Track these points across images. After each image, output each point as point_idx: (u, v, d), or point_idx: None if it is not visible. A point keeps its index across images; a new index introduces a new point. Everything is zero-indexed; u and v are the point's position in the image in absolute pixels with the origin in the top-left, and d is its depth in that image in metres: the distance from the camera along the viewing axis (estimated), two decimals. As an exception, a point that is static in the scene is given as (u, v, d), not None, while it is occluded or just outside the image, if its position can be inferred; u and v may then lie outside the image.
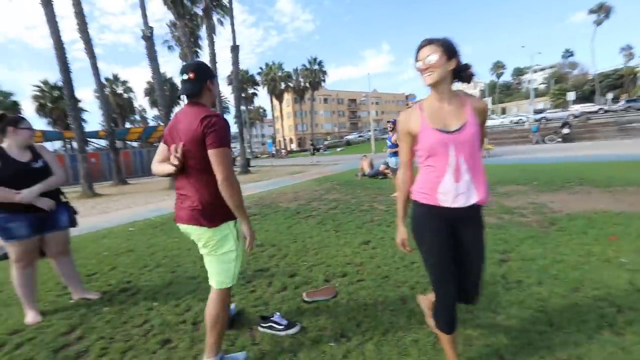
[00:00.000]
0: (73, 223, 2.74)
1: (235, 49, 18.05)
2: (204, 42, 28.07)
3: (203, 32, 25.66)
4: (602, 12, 48.36)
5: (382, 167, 10.05)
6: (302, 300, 2.45)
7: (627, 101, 32.79)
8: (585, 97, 48.71)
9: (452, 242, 1.47)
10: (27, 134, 2.51)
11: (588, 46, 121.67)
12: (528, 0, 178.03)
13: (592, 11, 49.60)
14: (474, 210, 1.45)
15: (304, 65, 47.32)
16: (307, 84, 47.59)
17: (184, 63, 1.70)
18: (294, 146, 60.36)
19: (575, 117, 28.93)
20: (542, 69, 75.19)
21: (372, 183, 8.81)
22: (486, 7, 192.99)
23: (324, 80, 48.05)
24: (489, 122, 32.91)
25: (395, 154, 7.16)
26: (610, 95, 43.54)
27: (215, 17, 20.19)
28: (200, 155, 1.56)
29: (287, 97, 54.29)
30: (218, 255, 1.69)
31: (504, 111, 56.42)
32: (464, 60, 1.41)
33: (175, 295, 2.73)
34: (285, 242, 3.99)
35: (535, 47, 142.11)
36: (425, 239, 1.49)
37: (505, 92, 75.63)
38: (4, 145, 2.43)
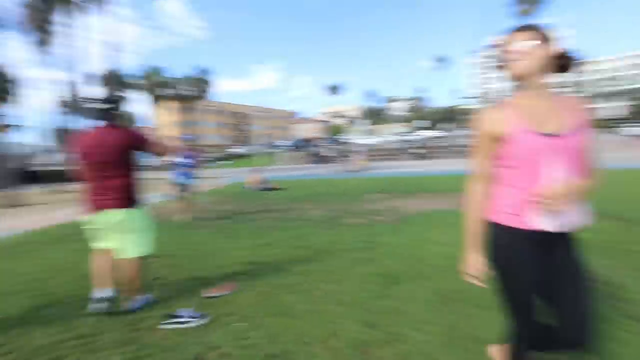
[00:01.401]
0: None
1: (108, 45, 15.91)
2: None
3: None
4: (439, 62, 62.48)
5: (272, 184, 10.58)
6: (204, 297, 2.65)
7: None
8: (433, 125, 61.36)
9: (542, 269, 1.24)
10: None
11: (432, 85, 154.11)
12: (394, 39, 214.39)
13: (432, 60, 63.53)
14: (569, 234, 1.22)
15: (189, 75, 44.60)
16: (193, 94, 44.90)
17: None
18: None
19: (427, 140, 36.15)
20: (404, 99, 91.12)
21: (261, 195, 9.16)
22: (369, 39, 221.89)
23: (211, 91, 46.29)
24: (361, 141, 37.78)
25: (187, 174, 5.94)
26: (448, 126, 56.34)
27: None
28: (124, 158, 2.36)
29: (171, 105, 49.86)
30: (135, 232, 2.40)
31: (375, 132, 65.80)
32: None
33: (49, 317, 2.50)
34: (184, 250, 3.99)
35: (399, 81, 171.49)
36: (509, 267, 1.23)
37: (376, 116, 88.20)
38: None
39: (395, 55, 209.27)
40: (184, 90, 44.99)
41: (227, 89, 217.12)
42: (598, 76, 61.23)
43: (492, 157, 1.25)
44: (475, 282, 1.29)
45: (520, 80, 1.20)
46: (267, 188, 10.31)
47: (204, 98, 46.19)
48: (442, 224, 4.69)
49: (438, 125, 59.32)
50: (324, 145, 37.62)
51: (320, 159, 28.19)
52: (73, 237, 4.71)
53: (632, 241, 3.47)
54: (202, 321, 2.25)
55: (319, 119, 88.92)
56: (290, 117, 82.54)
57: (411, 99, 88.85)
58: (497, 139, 1.21)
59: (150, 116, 49.03)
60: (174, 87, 44.50)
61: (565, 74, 1.23)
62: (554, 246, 1.21)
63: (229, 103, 67.77)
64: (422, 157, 24.79)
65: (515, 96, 1.24)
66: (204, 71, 44.54)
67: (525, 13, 36.21)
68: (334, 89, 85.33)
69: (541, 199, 1.11)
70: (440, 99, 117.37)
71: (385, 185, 9.97)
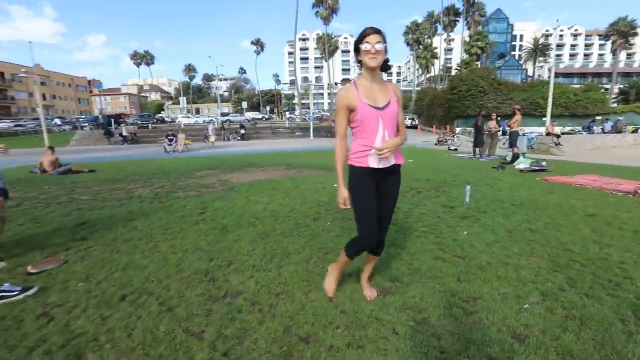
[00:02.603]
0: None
1: None
2: None
3: None
4: (259, 45, 64.82)
5: (75, 166, 8.87)
6: (27, 273, 2.52)
7: (289, 112, 49.11)
8: (254, 106, 63.89)
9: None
10: None
11: (254, 67, 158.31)
12: (214, 15, 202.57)
13: (252, 42, 65.21)
14: (394, 169, 1.86)
15: None
16: None
17: None
18: None
19: (248, 121, 37.65)
20: (225, 79, 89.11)
21: (62, 180, 7.67)
22: (179, 6, 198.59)
23: None
24: (185, 120, 35.46)
25: None
26: (268, 108, 59.97)
27: None
28: None
29: None
30: None
31: (197, 111, 62.05)
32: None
33: None
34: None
35: (220, 59, 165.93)
36: (355, 189, 1.84)
37: (197, 94, 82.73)
38: None
39: (216, 31, 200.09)
40: None
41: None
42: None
43: (347, 121, 1.80)
44: (341, 206, 1.83)
45: (371, 71, 1.73)
46: (67, 171, 8.59)
47: None
48: (264, 190, 5.74)
49: (260, 108, 62.38)
50: (139, 123, 32.81)
51: (132, 139, 24.60)
52: None
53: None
54: (30, 292, 2.20)
55: (126, 92, 75.03)
56: (81, 86, 65.16)
57: (232, 78, 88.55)
58: (350, 109, 1.76)
59: None
60: None
61: (384, 72, 1.81)
62: (384, 177, 1.86)
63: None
64: (243, 137, 25.95)
65: (359, 79, 1.80)
66: None
67: (322, 16, 42.84)
68: (144, 58, 73.43)
69: (372, 150, 1.75)
70: (263, 82, 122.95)
71: (213, 162, 10.34)
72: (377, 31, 1.69)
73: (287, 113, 50.99)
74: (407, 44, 47.39)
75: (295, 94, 54.42)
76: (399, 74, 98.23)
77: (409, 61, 77.40)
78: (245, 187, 6.00)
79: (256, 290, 2.26)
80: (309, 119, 31.99)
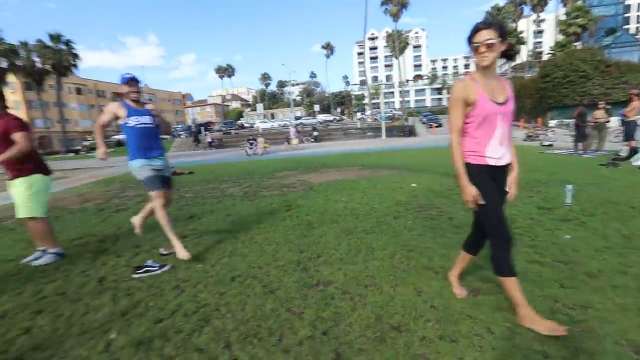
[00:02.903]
0: None
1: None
2: None
3: None
4: (329, 49, 66.28)
5: (178, 169, 10.35)
6: (160, 254, 3.11)
7: (360, 112, 49.17)
8: (325, 109, 65.40)
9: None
10: None
11: (324, 71, 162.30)
12: (285, 25, 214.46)
13: (322, 47, 66.97)
14: (507, 167, 1.82)
15: (40, 41, 35.91)
16: (50, 67, 36.55)
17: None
18: (30, 148, 44.54)
19: (320, 123, 38.76)
20: (297, 84, 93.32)
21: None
22: (255, 22, 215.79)
23: (75, 65, 38.37)
24: (263, 125, 38.31)
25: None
26: (339, 109, 60.87)
27: None
28: None
29: (15, 80, 39.63)
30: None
31: (272, 116, 66.13)
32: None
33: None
34: (108, 230, 4.12)
35: (292, 66, 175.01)
36: (481, 186, 1.74)
37: (272, 100, 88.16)
38: None
39: (287, 39, 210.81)
40: (33, 61, 36.15)
41: (94, 63, 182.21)
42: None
43: (464, 116, 1.71)
44: (471, 205, 1.75)
45: (483, 69, 1.66)
46: (172, 173, 10.03)
47: (66, 73, 38.08)
48: (341, 189, 5.94)
49: (331, 110, 63.61)
50: (223, 129, 36.44)
51: (218, 144, 27.44)
52: None
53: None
54: (165, 269, 2.77)
55: (212, 102, 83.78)
56: (177, 100, 74.97)
57: (304, 83, 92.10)
58: (468, 103, 1.68)
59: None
60: (17, 57, 35.10)
61: (509, 60, 1.77)
62: (498, 173, 1.80)
63: (103, 81, 57.57)
64: (316, 139, 26.81)
65: (475, 73, 1.72)
66: (61, 39, 35.99)
67: (391, 13, 41.74)
68: (226, 71, 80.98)
69: (489, 150, 1.72)
70: (333, 85, 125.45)
71: (290, 164, 11.01)
72: (488, 25, 1.60)
73: (358, 114, 51.11)
74: (488, 31, 43.23)
75: (366, 94, 54.14)
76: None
77: (490, 50, 70.44)
78: (324, 187, 6.29)
79: (345, 281, 2.42)
80: (380, 118, 31.57)
